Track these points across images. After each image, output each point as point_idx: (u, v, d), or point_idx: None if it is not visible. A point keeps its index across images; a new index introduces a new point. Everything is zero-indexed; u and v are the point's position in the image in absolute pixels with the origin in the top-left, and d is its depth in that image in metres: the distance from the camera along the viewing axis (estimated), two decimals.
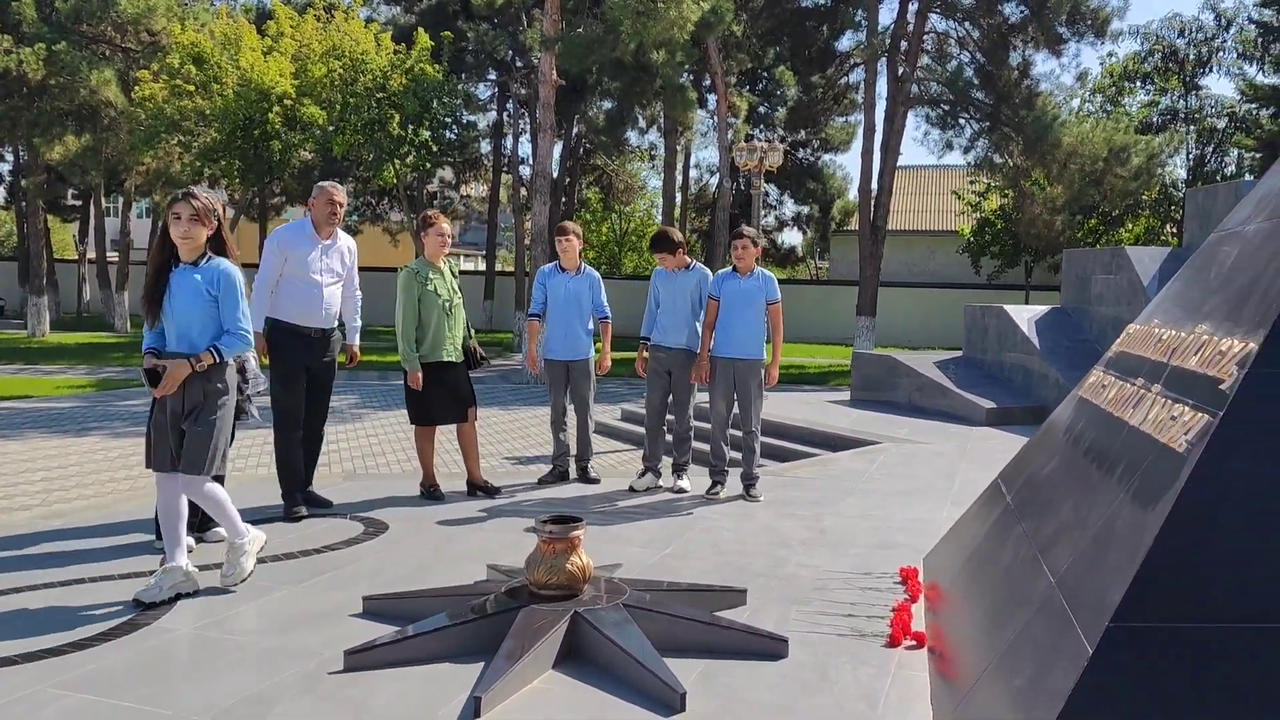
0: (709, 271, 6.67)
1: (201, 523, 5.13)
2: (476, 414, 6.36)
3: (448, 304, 6.12)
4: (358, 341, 6.17)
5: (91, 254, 32.58)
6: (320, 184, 5.85)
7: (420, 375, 6.02)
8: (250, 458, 8.86)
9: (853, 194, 30.29)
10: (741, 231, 6.43)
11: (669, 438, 6.84)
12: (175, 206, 4.17)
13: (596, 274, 6.90)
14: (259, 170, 18.88)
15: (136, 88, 18.95)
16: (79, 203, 32.07)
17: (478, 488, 6.39)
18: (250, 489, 6.35)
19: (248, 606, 4.10)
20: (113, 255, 29.21)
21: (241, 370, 4.92)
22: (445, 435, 7.50)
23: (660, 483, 6.71)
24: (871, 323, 19.59)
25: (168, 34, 20.70)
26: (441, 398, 6.14)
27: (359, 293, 6.12)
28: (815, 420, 9.92)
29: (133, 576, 4.46)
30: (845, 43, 23.29)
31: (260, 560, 4.74)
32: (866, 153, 19.78)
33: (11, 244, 44.91)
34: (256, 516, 5.62)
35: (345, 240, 5.93)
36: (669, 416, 6.75)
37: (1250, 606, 2.39)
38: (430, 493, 6.25)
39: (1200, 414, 2.70)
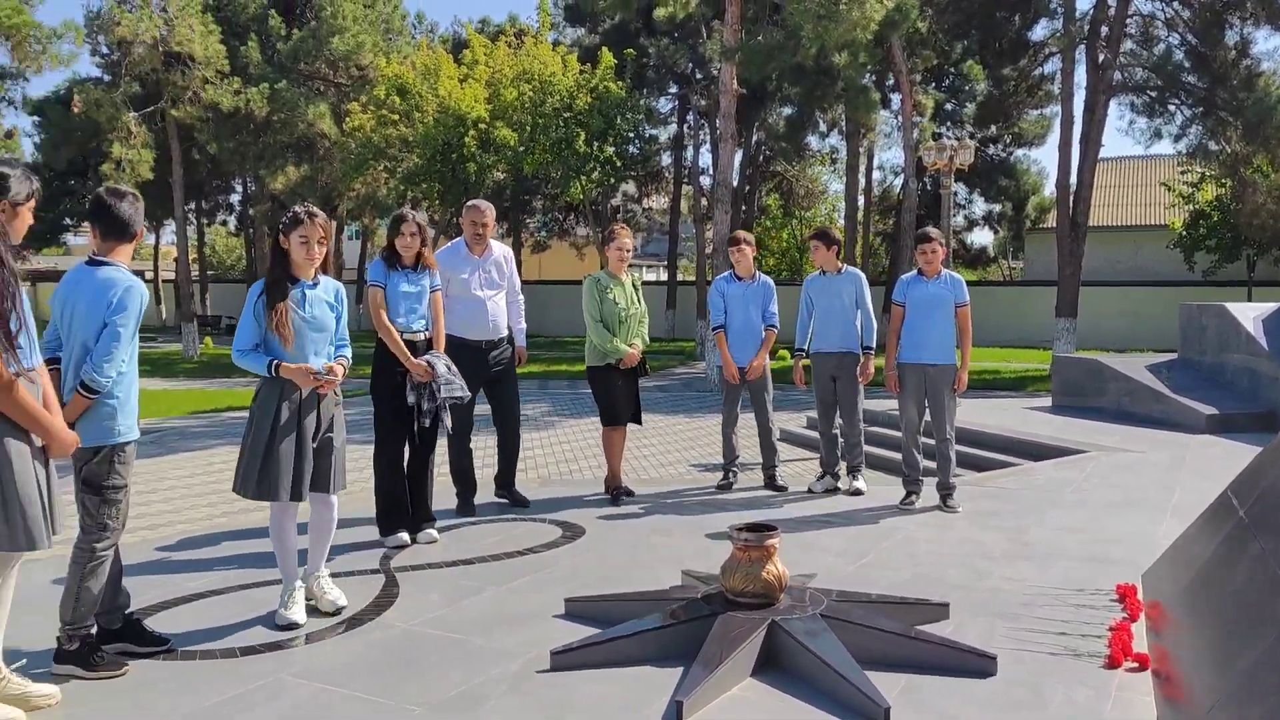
0: (862, 275, 6.74)
1: (413, 524, 5.47)
2: (640, 421, 6.65)
3: (624, 313, 6.36)
4: (523, 342, 6.40)
5: None
6: (468, 203, 6.13)
7: (637, 353, 6.36)
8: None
9: (1048, 189, 28.84)
10: (928, 234, 6.31)
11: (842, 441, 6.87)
12: (303, 229, 4.09)
13: (770, 282, 6.98)
14: (456, 191, 19.86)
15: (347, 119, 20.36)
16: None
17: (615, 489, 6.58)
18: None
19: (457, 606, 4.32)
20: None
21: (429, 379, 5.21)
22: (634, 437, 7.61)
23: (839, 485, 6.77)
24: (1072, 324, 18.52)
25: (374, 68, 22.16)
26: (626, 399, 6.44)
27: (521, 296, 6.40)
28: (1013, 428, 9.48)
29: (355, 574, 4.77)
30: (1039, 32, 22.18)
31: (467, 561, 5.00)
32: (1064, 145, 18.73)
33: (241, 267, 49.27)
34: (441, 517, 5.86)
35: (500, 250, 6.18)
36: (839, 420, 6.79)
37: None
38: (617, 495, 6.46)
39: None
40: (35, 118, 30.02)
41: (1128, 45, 19.32)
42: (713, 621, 3.66)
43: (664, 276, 35.96)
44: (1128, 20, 18.66)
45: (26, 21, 18.98)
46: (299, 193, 23.68)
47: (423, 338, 5.34)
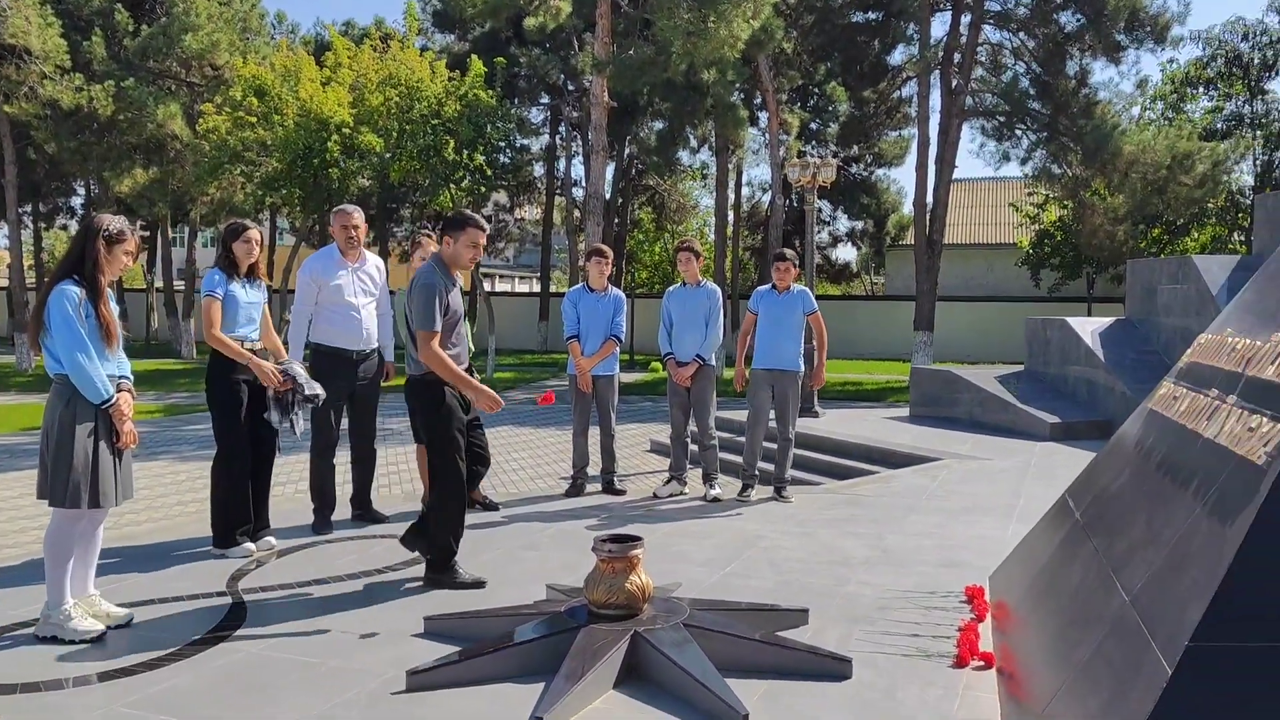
0: (719, 290, 7.10)
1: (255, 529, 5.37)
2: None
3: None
4: (392, 357, 6.26)
5: (159, 283, 33.48)
6: (336, 208, 5.98)
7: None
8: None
9: (907, 208, 30.05)
10: (783, 253, 6.94)
11: (694, 448, 7.28)
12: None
13: (622, 295, 7.16)
14: (318, 198, 19.23)
15: (201, 120, 19.48)
16: (146, 233, 33.03)
17: (477, 503, 6.47)
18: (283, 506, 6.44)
19: (311, 627, 4.14)
20: (179, 284, 29.99)
21: (290, 386, 5.09)
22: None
23: (685, 490, 7.10)
24: (929, 338, 19.33)
25: (230, 68, 21.27)
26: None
27: (391, 311, 6.24)
28: (874, 437, 9.79)
29: (200, 597, 4.54)
30: (897, 56, 23.15)
31: (322, 581, 4.81)
32: (921, 166, 19.58)
33: None
34: (295, 532, 5.72)
35: (374, 260, 6.07)
36: (692, 428, 7.13)
37: None
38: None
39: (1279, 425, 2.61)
40: None
41: (978, 72, 20.36)
42: (575, 635, 3.61)
43: (537, 288, 35.77)
44: (978, 48, 19.68)
45: None
46: (147, 196, 22.52)
47: (259, 348, 5.21)
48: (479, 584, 4.66)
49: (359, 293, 5.84)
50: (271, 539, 5.44)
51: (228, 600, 4.51)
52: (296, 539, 5.67)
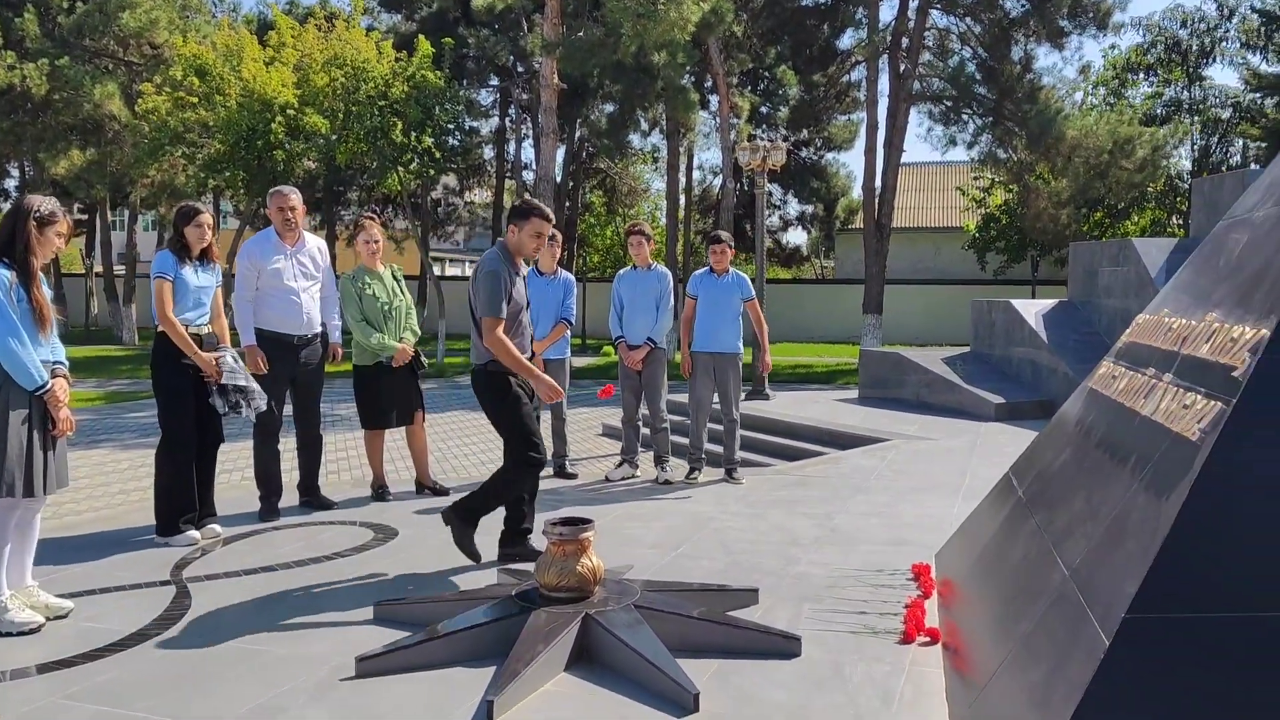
0: (669, 273, 7.12)
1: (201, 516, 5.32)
2: (424, 417, 6.52)
3: (386, 307, 6.24)
4: (339, 339, 6.21)
5: (99, 267, 32.67)
6: (272, 190, 5.89)
7: (409, 349, 6.24)
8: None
9: (857, 192, 30.26)
10: (719, 236, 7.03)
11: (646, 431, 7.29)
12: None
13: (571, 278, 7.13)
14: (263, 180, 18.82)
15: (140, 101, 18.99)
16: (85, 217, 32.17)
17: (426, 488, 6.51)
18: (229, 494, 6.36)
19: (258, 616, 4.08)
20: (119, 268, 29.29)
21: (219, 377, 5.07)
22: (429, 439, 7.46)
23: (637, 474, 7.14)
24: (878, 320, 19.54)
25: (170, 47, 20.75)
26: (391, 401, 6.28)
27: (336, 293, 6.20)
28: (823, 419, 9.89)
29: (142, 587, 4.45)
30: (846, 40, 23.27)
31: (269, 568, 4.74)
32: (869, 150, 19.73)
33: None
34: (241, 519, 5.65)
35: (314, 242, 5.99)
36: (644, 411, 7.16)
37: (1269, 594, 2.36)
38: (380, 494, 6.35)
39: (1213, 402, 2.67)
40: None
41: (926, 57, 20.54)
42: (526, 618, 3.60)
43: None
44: (925, 33, 19.85)
45: None
46: (85, 178, 21.91)
47: (206, 331, 5.14)
48: (474, 557, 4.71)
49: (298, 276, 5.76)
50: (216, 526, 5.36)
51: (171, 589, 4.43)
52: (243, 526, 5.58)
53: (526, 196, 5.98)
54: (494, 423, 4.79)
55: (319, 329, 5.93)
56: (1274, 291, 2.78)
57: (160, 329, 5.06)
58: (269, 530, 5.55)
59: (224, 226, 33.99)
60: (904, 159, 20.51)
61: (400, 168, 18.84)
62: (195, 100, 18.01)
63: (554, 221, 4.82)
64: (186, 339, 5.03)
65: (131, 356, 22.04)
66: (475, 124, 27.17)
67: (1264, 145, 25.85)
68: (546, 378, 4.62)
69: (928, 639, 3.71)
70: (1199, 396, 2.78)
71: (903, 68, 19.24)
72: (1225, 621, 2.33)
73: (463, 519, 4.70)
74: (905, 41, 19.26)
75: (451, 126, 20.21)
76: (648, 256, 7.04)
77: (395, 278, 6.47)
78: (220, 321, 5.31)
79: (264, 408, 5.27)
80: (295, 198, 5.80)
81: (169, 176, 21.49)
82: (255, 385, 5.24)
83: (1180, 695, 2.27)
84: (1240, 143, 28.13)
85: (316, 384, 6.04)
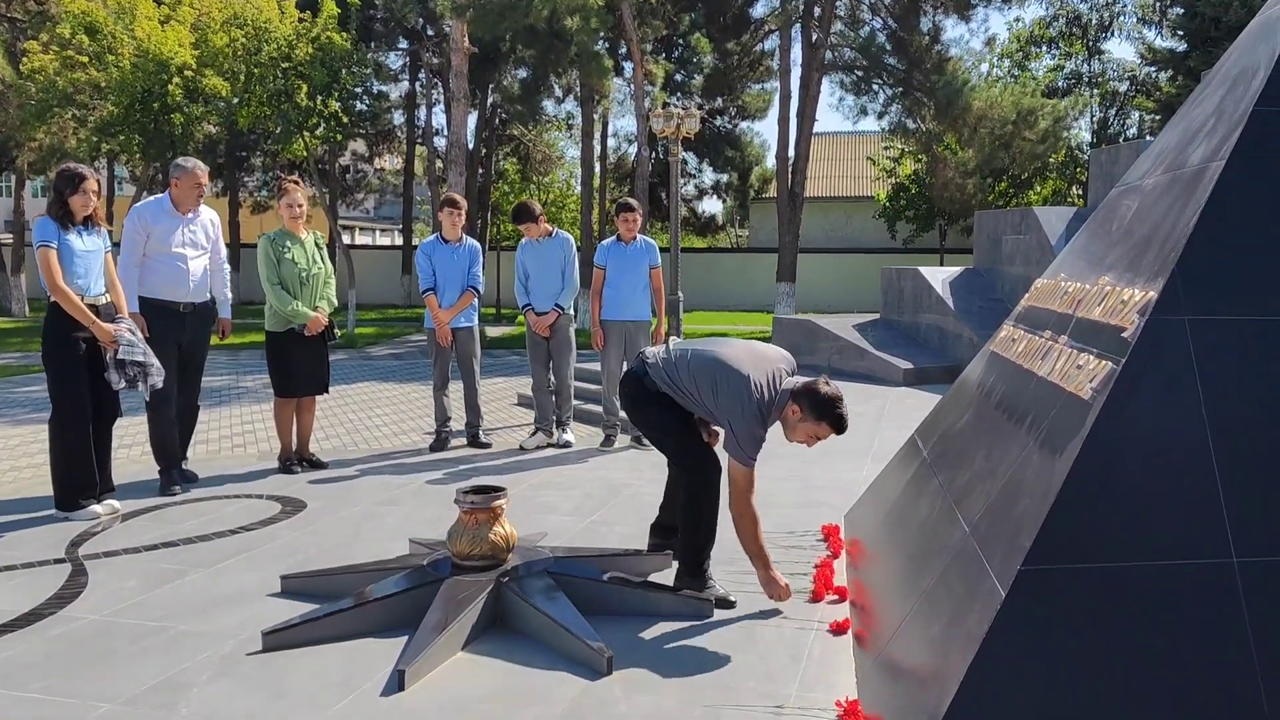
0: (571, 239, 7.11)
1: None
2: (327, 390, 6.41)
3: (304, 273, 6.12)
4: (229, 314, 6.10)
5: None
6: (181, 163, 5.72)
7: (323, 318, 6.13)
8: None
9: (770, 161, 30.44)
10: (629, 204, 7.00)
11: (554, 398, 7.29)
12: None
13: (477, 245, 7.08)
14: (160, 144, 18.08)
15: (25, 60, 18.00)
16: None
17: (305, 460, 6.38)
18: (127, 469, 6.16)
19: (160, 591, 3.96)
20: (6, 236, 27.88)
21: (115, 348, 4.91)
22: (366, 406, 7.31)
23: (552, 441, 7.10)
24: (792, 289, 19.78)
25: (56, 2, 19.68)
26: (303, 370, 6.17)
27: (226, 266, 6.12)
28: None
29: (36, 565, 4.28)
30: (759, 9, 23.39)
31: (170, 544, 4.61)
32: (783, 120, 19.86)
33: None
34: (139, 494, 5.49)
35: (207, 214, 5.89)
36: (551, 377, 7.17)
37: (1153, 544, 2.47)
38: (287, 466, 6.23)
39: (1104, 362, 2.77)
40: None
41: (838, 26, 20.70)
42: (439, 587, 3.57)
43: (399, 241, 34.84)
44: (837, 3, 19.99)
45: None
46: None
47: (104, 301, 4.93)
48: (728, 603, 3.80)
49: (187, 244, 5.65)
50: (115, 502, 5.20)
51: (67, 567, 4.27)
52: (142, 499, 5.41)
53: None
54: (656, 444, 4.39)
55: (206, 298, 5.80)
56: (1161, 255, 2.89)
57: (52, 299, 4.84)
58: (170, 505, 5.39)
59: (119, 193, 32.63)
60: (816, 128, 20.70)
61: (306, 132, 18.27)
62: (85, 60, 17.15)
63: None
64: (82, 308, 4.83)
65: (22, 329, 21.03)
66: (384, 88, 26.46)
67: (1158, 118, 26.82)
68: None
69: (836, 597, 3.80)
70: (1091, 357, 2.88)
71: (815, 37, 19.36)
72: (1115, 571, 2.44)
73: (693, 575, 3.90)
74: (818, 11, 19.38)
75: (359, 90, 19.67)
76: (544, 229, 6.97)
77: (317, 244, 6.32)
78: (116, 289, 5.11)
79: (160, 385, 5.10)
80: (204, 174, 5.76)
81: (58, 140, 20.46)
82: (155, 360, 5.05)
83: (1073, 642, 2.36)
84: (1136, 115, 29.13)
85: (200, 353, 5.93)
